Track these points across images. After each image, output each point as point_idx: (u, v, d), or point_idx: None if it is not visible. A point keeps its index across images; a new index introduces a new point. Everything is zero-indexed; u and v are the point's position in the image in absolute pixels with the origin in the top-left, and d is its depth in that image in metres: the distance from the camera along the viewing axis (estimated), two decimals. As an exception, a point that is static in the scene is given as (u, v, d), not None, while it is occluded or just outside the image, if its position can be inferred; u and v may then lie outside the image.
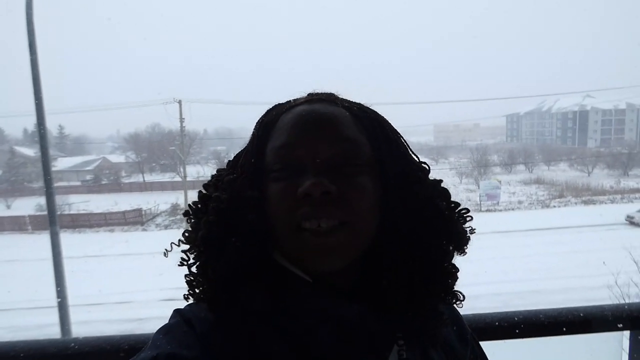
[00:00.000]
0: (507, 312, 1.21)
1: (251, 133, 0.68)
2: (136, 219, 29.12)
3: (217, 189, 0.64)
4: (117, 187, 43.41)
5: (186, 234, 0.64)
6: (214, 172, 0.69)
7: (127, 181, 46.42)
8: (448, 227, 0.65)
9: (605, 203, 30.74)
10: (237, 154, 0.70)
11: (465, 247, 0.67)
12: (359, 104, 0.69)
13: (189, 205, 0.66)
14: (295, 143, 0.61)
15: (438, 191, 0.67)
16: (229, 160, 0.70)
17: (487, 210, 29.17)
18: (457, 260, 0.67)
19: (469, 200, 30.18)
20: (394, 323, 0.64)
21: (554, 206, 30.59)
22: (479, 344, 0.79)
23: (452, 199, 0.67)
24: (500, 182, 33.92)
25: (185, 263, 0.63)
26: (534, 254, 18.32)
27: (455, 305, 0.68)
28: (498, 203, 30.72)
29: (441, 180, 0.68)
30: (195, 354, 0.56)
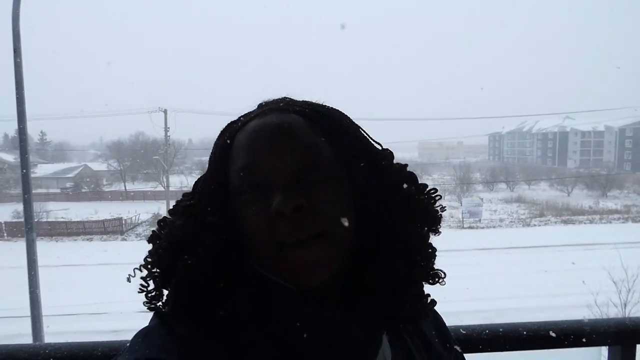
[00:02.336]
0: (488, 325, 1.22)
1: (209, 156, 0.67)
2: (116, 228, 28.55)
3: (173, 214, 0.65)
4: (97, 195, 42.62)
5: (147, 259, 0.64)
6: (180, 197, 0.69)
7: (108, 189, 45.66)
8: (419, 210, 0.66)
9: (585, 223, 31.42)
10: (196, 181, 0.69)
11: (438, 227, 0.67)
12: (311, 104, 0.68)
13: (153, 231, 0.66)
14: (256, 162, 0.60)
15: (404, 176, 0.67)
16: (194, 182, 0.70)
17: (470, 227, 29.50)
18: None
19: (452, 217, 30.50)
20: (378, 322, 0.63)
21: (535, 225, 31.14)
22: (461, 353, 0.79)
23: (419, 182, 0.68)
24: (482, 199, 34.45)
25: (144, 289, 0.63)
26: (516, 272, 18.53)
27: (439, 283, 0.67)
28: (480, 220, 31.12)
29: (406, 165, 0.68)
30: (173, 358, 0.55)
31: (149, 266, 0.63)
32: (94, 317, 13.78)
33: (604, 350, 1.30)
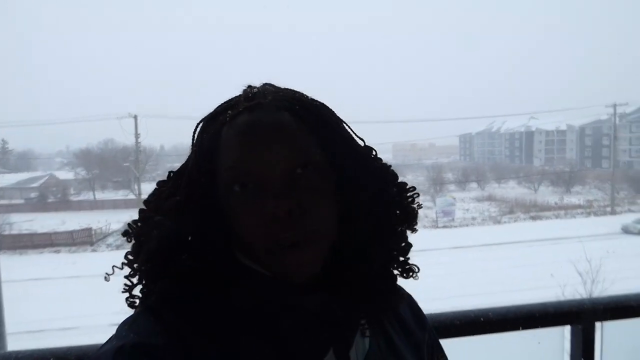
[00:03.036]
0: (459, 311, 1.27)
1: (191, 148, 0.66)
2: (85, 239, 27.56)
3: (159, 211, 0.63)
4: (64, 205, 40.99)
5: (129, 257, 0.63)
6: (155, 187, 0.68)
7: (76, 199, 43.99)
8: (401, 209, 0.69)
9: (551, 218, 32.64)
10: (179, 170, 0.68)
11: (414, 224, 0.71)
12: (299, 99, 0.67)
13: (129, 224, 0.65)
14: (248, 162, 0.60)
15: (387, 177, 0.70)
16: (171, 173, 0.68)
17: (444, 227, 30.10)
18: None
19: (426, 217, 31.05)
20: (356, 307, 0.66)
21: (505, 222, 32.08)
22: (434, 332, 0.83)
23: (399, 180, 0.71)
24: (455, 199, 35.24)
25: (127, 288, 0.63)
26: (489, 269, 19.02)
27: (412, 277, 0.71)
28: (453, 219, 31.80)
29: (389, 165, 0.71)
30: (163, 342, 0.55)
31: (135, 265, 0.62)
32: (64, 333, 13.25)
33: (566, 331, 1.37)
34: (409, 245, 0.70)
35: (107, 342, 0.58)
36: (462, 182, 50.46)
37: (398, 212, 0.69)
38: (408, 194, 0.71)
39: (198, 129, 0.67)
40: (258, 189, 0.60)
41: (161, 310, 0.60)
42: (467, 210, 36.45)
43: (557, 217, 33.29)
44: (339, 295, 0.64)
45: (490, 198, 42.55)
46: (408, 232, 0.71)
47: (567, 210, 35.61)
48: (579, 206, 36.99)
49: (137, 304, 0.63)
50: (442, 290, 15.24)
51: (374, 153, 0.70)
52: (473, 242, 24.17)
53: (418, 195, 0.72)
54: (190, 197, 0.63)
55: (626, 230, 25.52)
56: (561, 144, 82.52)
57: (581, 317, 1.30)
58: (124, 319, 0.61)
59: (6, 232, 26.99)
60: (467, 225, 30.99)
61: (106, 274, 0.65)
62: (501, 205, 38.42)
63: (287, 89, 0.69)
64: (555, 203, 38.87)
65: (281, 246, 0.59)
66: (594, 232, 24.82)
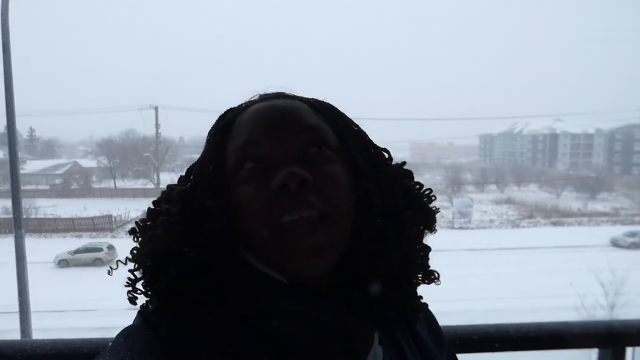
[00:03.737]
0: (478, 325, 1.22)
1: (205, 141, 0.65)
2: (105, 226, 28.25)
3: (168, 202, 0.62)
4: (87, 192, 42.11)
5: (133, 251, 0.61)
6: (164, 188, 0.66)
7: (97, 186, 45.12)
8: (419, 207, 0.66)
9: (573, 225, 31.80)
10: (189, 167, 0.67)
11: (434, 225, 0.67)
12: (313, 98, 0.68)
13: (136, 222, 0.63)
14: (260, 139, 0.59)
15: (404, 172, 0.68)
16: (181, 176, 0.67)
17: (460, 228, 29.69)
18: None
19: (442, 217, 30.65)
20: (371, 317, 0.62)
21: (524, 226, 31.43)
22: (454, 353, 0.79)
23: (415, 180, 0.68)
24: (472, 200, 34.69)
25: (131, 283, 0.61)
26: (504, 273, 18.69)
27: (434, 283, 0.67)
28: (470, 221, 31.32)
29: (404, 162, 0.69)
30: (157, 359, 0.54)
31: (139, 258, 0.60)
32: (83, 314, 13.64)
33: (593, 354, 1.31)
34: (428, 248, 0.67)
35: (101, 355, 0.56)
36: (480, 184, 49.65)
37: (416, 211, 0.65)
38: (424, 194, 0.68)
39: (215, 122, 0.66)
40: (269, 165, 0.57)
41: (158, 323, 0.58)
42: (485, 212, 35.85)
43: (579, 224, 32.41)
44: (351, 304, 0.60)
45: (509, 201, 41.74)
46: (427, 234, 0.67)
47: (591, 217, 34.62)
48: (605, 214, 35.90)
49: (137, 300, 0.61)
50: (454, 291, 15.05)
51: (389, 153, 0.69)
52: (489, 245, 23.77)
53: (435, 197, 0.69)
54: (198, 184, 0.61)
55: (615, 244, 24.09)
56: (587, 148, 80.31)
57: (611, 341, 1.24)
58: (121, 330, 0.59)
59: (32, 216, 27.87)
60: (484, 228, 30.48)
61: (110, 267, 0.64)
62: (520, 209, 37.65)
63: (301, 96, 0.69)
64: (579, 209, 37.84)
65: (287, 227, 0.55)
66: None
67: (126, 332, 0.58)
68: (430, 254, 0.67)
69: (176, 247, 0.58)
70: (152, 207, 0.64)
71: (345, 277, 0.62)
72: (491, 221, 32.67)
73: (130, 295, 0.60)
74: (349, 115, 0.69)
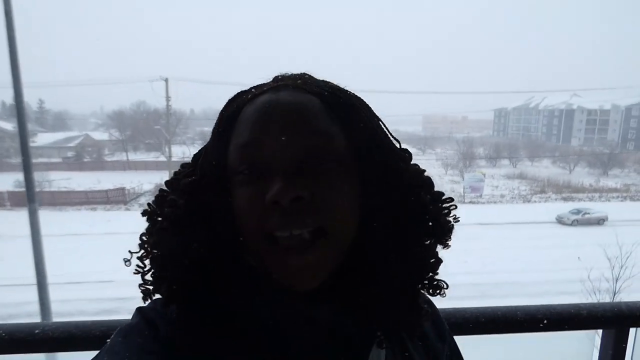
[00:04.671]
0: (485, 307, 1.22)
1: (212, 127, 0.62)
2: (119, 198, 28.74)
3: (174, 191, 0.60)
4: (99, 165, 42.69)
5: (143, 238, 0.60)
6: (178, 169, 0.64)
7: (110, 159, 45.66)
8: (432, 220, 0.61)
9: (584, 200, 31.50)
10: (199, 150, 0.64)
11: (448, 240, 0.63)
12: (332, 86, 0.61)
13: (148, 204, 0.61)
14: (260, 140, 0.54)
15: (421, 182, 0.62)
16: (194, 155, 0.64)
17: (470, 202, 29.62)
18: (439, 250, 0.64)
19: (453, 191, 30.58)
20: (372, 321, 0.61)
21: (535, 201, 31.24)
22: (455, 342, 0.79)
23: (435, 189, 0.63)
24: (484, 175, 34.44)
25: (140, 270, 0.59)
26: (513, 247, 18.75)
27: (439, 294, 0.64)
28: (481, 195, 31.21)
29: (424, 170, 0.64)
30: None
31: (147, 246, 0.59)
32: (101, 285, 14.06)
33: (597, 334, 1.31)
34: (439, 261, 0.63)
35: (99, 355, 0.55)
36: (493, 159, 49.09)
37: (429, 223, 0.61)
38: (444, 205, 0.63)
39: (222, 109, 0.62)
40: (266, 171, 0.54)
41: (157, 321, 0.57)
42: (497, 187, 35.62)
43: (590, 199, 32.09)
44: (351, 307, 0.59)
45: (521, 176, 41.34)
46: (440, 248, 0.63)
47: (602, 193, 34.26)
48: (615, 189, 35.48)
49: (151, 295, 0.60)
50: (463, 264, 15.18)
51: (407, 156, 0.63)
52: (500, 219, 23.74)
53: (455, 207, 0.64)
54: (204, 177, 0.59)
55: (560, 221, 23.79)
56: (603, 124, 78.58)
57: (615, 321, 1.23)
58: (119, 328, 0.58)
59: (46, 189, 28.43)
60: (495, 203, 30.36)
61: (124, 259, 0.61)
62: (532, 184, 37.33)
63: (323, 80, 0.63)
64: (590, 185, 37.42)
65: (284, 245, 0.53)
66: (628, 217, 23.89)
67: (124, 331, 0.57)
68: (440, 265, 0.63)
69: (183, 241, 0.57)
70: (162, 188, 0.62)
71: (346, 281, 0.60)
72: (502, 196, 32.48)
73: (143, 289, 0.59)
74: (370, 107, 0.63)
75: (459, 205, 0.65)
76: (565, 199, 31.82)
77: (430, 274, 0.63)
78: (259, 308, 0.58)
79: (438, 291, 0.64)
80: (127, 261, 0.61)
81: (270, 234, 0.53)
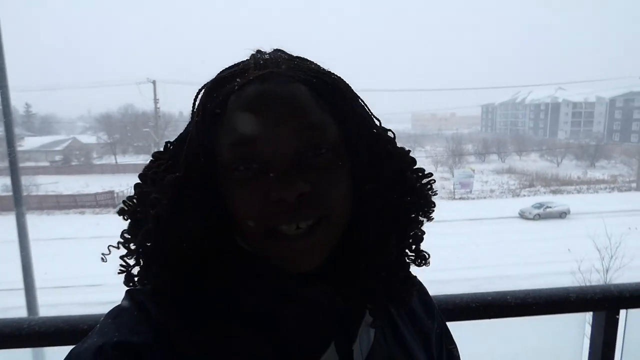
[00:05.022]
0: (476, 293, 1.23)
1: (192, 115, 0.58)
2: (108, 202, 28.41)
3: (155, 187, 0.58)
4: (88, 168, 42.16)
5: (125, 235, 0.59)
6: (152, 158, 0.61)
7: (98, 162, 45.15)
8: (419, 197, 0.64)
9: (572, 193, 31.99)
10: (178, 139, 0.61)
11: (431, 213, 0.65)
12: (316, 70, 0.60)
13: (124, 202, 0.60)
14: (254, 138, 0.54)
15: (407, 163, 0.64)
16: (168, 143, 0.62)
17: (461, 198, 29.86)
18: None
19: (443, 188, 30.79)
20: (362, 299, 0.62)
21: (524, 195, 31.60)
22: (444, 321, 0.80)
23: (417, 167, 0.65)
24: (474, 171, 34.74)
25: (124, 270, 0.59)
26: (505, 241, 18.95)
27: (424, 264, 0.66)
28: (471, 191, 31.47)
29: (409, 150, 0.65)
30: (146, 340, 0.52)
31: (130, 244, 0.59)
32: (91, 289, 13.90)
33: (588, 317, 1.32)
34: (422, 233, 0.66)
35: (89, 336, 0.54)
36: (482, 154, 49.55)
37: (415, 199, 0.63)
38: (424, 181, 0.65)
39: (200, 96, 0.59)
40: (264, 168, 0.54)
41: (147, 303, 0.56)
42: (486, 182, 35.96)
43: (579, 191, 32.59)
44: (343, 286, 0.60)
45: (510, 171, 41.80)
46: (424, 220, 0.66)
47: (589, 185, 34.80)
48: (603, 181, 36.07)
49: (133, 279, 0.60)
50: (455, 261, 15.30)
51: (390, 135, 0.64)
52: (490, 214, 23.97)
53: (434, 181, 0.67)
54: (190, 174, 0.57)
55: (522, 215, 23.69)
56: (589, 117, 79.75)
57: (605, 304, 1.25)
58: (110, 309, 0.58)
59: (33, 193, 28.00)
60: (484, 198, 30.65)
61: (102, 254, 0.61)
62: (521, 179, 37.75)
63: (301, 58, 0.62)
64: (578, 177, 37.98)
65: (282, 232, 0.54)
66: (616, 208, 24.29)
67: (114, 313, 0.57)
68: (424, 237, 0.66)
69: (169, 241, 0.56)
70: (139, 183, 0.60)
71: (338, 259, 0.61)
72: (492, 191, 32.81)
73: (129, 287, 0.60)
74: (351, 87, 0.63)
75: (449, 202, 0.66)
76: (554, 192, 32.24)
77: (415, 245, 0.66)
78: (250, 291, 0.58)
79: (423, 261, 0.66)
80: (104, 256, 0.61)
81: (274, 229, 0.54)
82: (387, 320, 0.67)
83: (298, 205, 0.52)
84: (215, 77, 0.59)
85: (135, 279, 0.61)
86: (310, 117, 0.55)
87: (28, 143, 45.85)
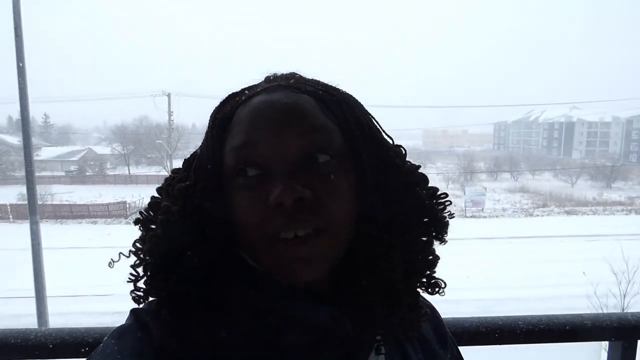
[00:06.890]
0: (486, 317, 1.20)
1: (205, 132, 0.60)
2: (120, 212, 28.72)
3: (168, 197, 0.58)
4: (101, 178, 42.84)
5: (137, 244, 0.59)
6: (169, 174, 0.63)
7: (112, 173, 45.86)
8: (429, 216, 0.61)
9: (587, 214, 31.31)
10: (192, 154, 0.62)
11: (445, 235, 0.63)
12: (324, 85, 0.61)
13: (140, 212, 0.60)
14: (257, 141, 0.54)
15: (417, 178, 0.62)
16: (185, 159, 0.63)
17: (472, 216, 29.47)
18: (439, 264, 0.64)
19: (455, 205, 30.38)
20: (371, 323, 0.60)
21: (537, 215, 31.06)
22: (459, 350, 0.77)
23: (430, 185, 0.63)
24: (485, 189, 34.35)
25: (133, 279, 0.59)
26: (516, 262, 18.57)
27: (438, 293, 0.63)
28: (483, 210, 31.07)
29: (419, 166, 0.63)
30: None
31: (140, 253, 0.58)
32: (100, 299, 13.94)
33: (604, 345, 1.28)
34: (436, 258, 0.62)
35: (91, 357, 0.54)
36: (494, 172, 49.08)
37: (426, 219, 0.61)
38: (439, 201, 0.63)
39: (213, 110, 0.61)
40: (266, 172, 0.53)
41: (151, 324, 0.56)
42: (498, 201, 35.50)
43: (594, 213, 31.90)
44: (350, 309, 0.58)
45: (523, 190, 41.25)
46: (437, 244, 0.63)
47: (605, 206, 34.07)
48: (620, 203, 35.30)
49: (141, 298, 0.59)
50: (465, 280, 15.01)
51: (402, 152, 0.63)
52: (501, 234, 23.58)
53: (450, 203, 0.64)
54: (198, 182, 0.58)
55: None
56: (604, 137, 78.60)
57: (623, 333, 1.21)
58: (113, 330, 0.58)
59: (48, 202, 28.47)
60: (496, 217, 30.20)
61: (111, 259, 0.62)
62: (534, 198, 37.20)
63: (314, 79, 0.62)
64: (594, 198, 37.25)
65: (280, 239, 0.52)
66: (633, 231, 23.69)
67: (117, 333, 0.56)
68: (438, 263, 0.63)
69: (176, 248, 0.56)
70: (155, 195, 0.61)
71: (345, 281, 0.59)
72: (504, 210, 32.34)
73: (134, 295, 0.59)
74: (362, 104, 0.63)
75: (460, 220, 0.63)
76: (568, 213, 31.65)
77: (428, 271, 0.62)
78: (257, 308, 0.57)
79: (437, 289, 0.63)
80: (113, 262, 0.61)
81: (273, 236, 0.53)
82: (397, 348, 0.64)
83: (296, 210, 0.51)
84: (228, 94, 0.62)
85: (141, 292, 0.60)
86: (313, 121, 0.55)
87: (45, 153, 46.85)
